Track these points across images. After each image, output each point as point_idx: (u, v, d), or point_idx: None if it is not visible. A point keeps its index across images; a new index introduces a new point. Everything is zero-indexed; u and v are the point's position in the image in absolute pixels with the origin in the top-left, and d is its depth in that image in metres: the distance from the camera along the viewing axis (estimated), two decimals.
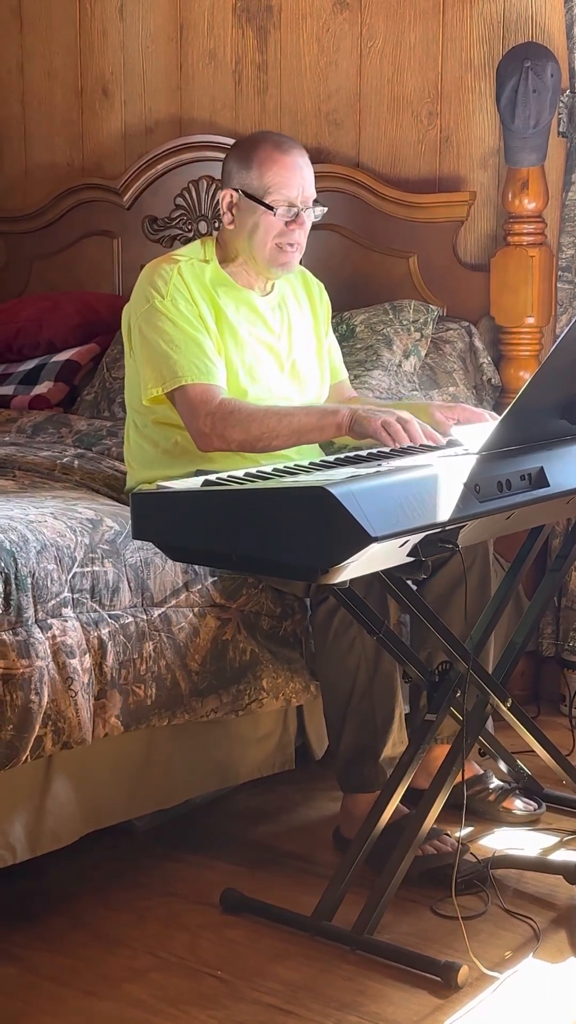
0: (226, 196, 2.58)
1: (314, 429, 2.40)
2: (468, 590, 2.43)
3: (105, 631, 2.25)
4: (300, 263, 2.67)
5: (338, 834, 2.52)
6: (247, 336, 2.60)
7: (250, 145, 2.59)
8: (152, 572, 2.36)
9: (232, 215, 2.58)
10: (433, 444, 2.27)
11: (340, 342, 2.97)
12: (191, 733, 2.50)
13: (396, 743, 2.44)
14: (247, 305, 2.63)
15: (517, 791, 2.64)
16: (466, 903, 2.23)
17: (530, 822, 2.60)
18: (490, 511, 1.96)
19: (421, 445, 2.25)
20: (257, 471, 2.01)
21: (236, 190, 2.57)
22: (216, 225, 3.62)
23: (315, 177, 3.41)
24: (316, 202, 2.60)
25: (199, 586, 2.43)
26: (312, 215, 2.59)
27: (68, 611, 2.21)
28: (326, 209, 2.65)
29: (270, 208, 2.53)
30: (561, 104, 3.19)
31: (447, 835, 2.36)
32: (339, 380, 2.84)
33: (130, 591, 2.32)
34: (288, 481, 1.91)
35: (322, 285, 2.83)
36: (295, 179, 2.54)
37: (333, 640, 2.42)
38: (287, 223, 2.54)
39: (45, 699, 2.13)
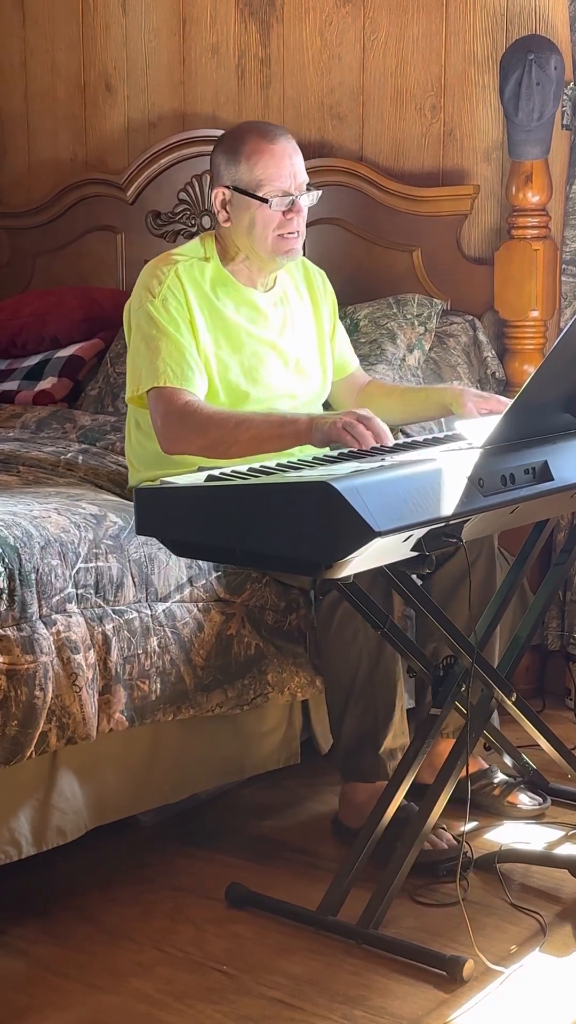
0: (218, 195, 2.56)
1: (273, 437, 2.35)
2: (473, 585, 2.43)
3: (109, 626, 2.26)
4: (303, 256, 2.66)
5: (337, 822, 2.53)
6: (246, 337, 2.59)
7: (236, 139, 2.56)
8: (156, 567, 2.36)
9: (227, 212, 2.56)
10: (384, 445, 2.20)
11: None
12: (196, 728, 2.50)
13: (397, 735, 2.45)
14: (247, 304, 2.62)
15: (522, 785, 2.64)
16: (471, 897, 2.24)
17: (535, 816, 2.60)
18: (494, 505, 1.96)
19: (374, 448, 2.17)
20: (260, 466, 2.01)
21: (227, 187, 2.55)
22: (212, 224, 3.62)
23: (318, 171, 3.43)
24: (310, 186, 2.58)
25: (203, 581, 2.43)
26: (308, 200, 2.57)
27: (72, 607, 2.21)
28: (320, 192, 2.63)
29: (264, 201, 2.51)
30: (565, 97, 3.18)
31: (443, 829, 2.36)
32: (351, 372, 2.83)
33: (134, 586, 2.32)
34: (291, 476, 1.91)
35: (324, 274, 2.81)
36: (285, 167, 2.52)
37: (337, 631, 2.43)
38: (284, 212, 2.53)
39: (50, 695, 2.13)
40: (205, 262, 2.60)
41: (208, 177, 3.71)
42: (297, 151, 2.57)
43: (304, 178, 2.56)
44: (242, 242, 2.58)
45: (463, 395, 2.58)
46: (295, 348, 2.67)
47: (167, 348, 2.47)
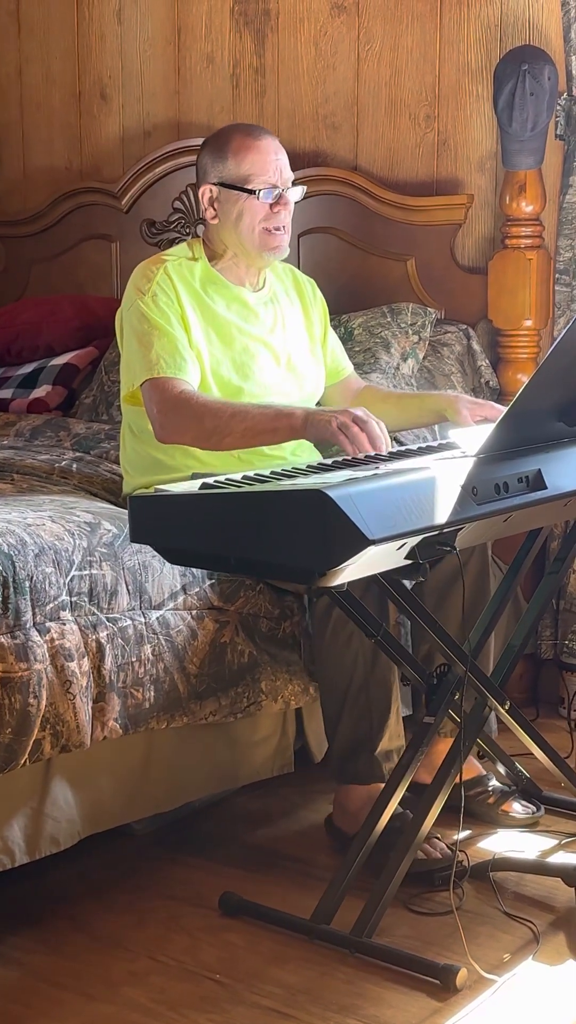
0: (205, 192, 2.60)
1: (267, 431, 2.36)
2: (466, 592, 2.43)
3: (103, 634, 2.25)
4: (298, 266, 2.67)
5: (331, 823, 2.52)
6: (238, 333, 2.60)
7: (221, 138, 2.62)
8: (150, 575, 2.36)
9: (214, 209, 2.59)
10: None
11: None
12: (190, 736, 2.50)
13: (392, 737, 2.45)
14: (238, 302, 2.63)
15: (516, 794, 2.64)
16: (464, 906, 2.23)
17: (529, 825, 2.60)
18: (488, 513, 1.96)
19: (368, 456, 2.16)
20: (255, 474, 2.01)
21: (214, 184, 2.58)
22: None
23: (312, 180, 3.44)
24: (295, 183, 2.62)
25: (197, 589, 2.43)
26: (294, 194, 2.61)
27: (66, 614, 2.21)
28: (305, 188, 2.68)
29: (252, 192, 2.54)
30: (558, 107, 3.19)
31: (437, 838, 2.36)
32: (345, 376, 2.84)
33: (128, 594, 2.32)
34: (285, 484, 1.91)
35: (313, 282, 2.83)
36: (271, 162, 2.57)
37: (332, 634, 2.43)
38: (271, 206, 2.56)
39: (43, 702, 2.13)
40: (194, 262, 2.62)
41: None
42: (281, 149, 2.62)
43: (289, 175, 2.61)
44: (229, 238, 2.60)
45: (458, 402, 2.59)
46: (286, 346, 2.68)
47: (160, 341, 2.48)
